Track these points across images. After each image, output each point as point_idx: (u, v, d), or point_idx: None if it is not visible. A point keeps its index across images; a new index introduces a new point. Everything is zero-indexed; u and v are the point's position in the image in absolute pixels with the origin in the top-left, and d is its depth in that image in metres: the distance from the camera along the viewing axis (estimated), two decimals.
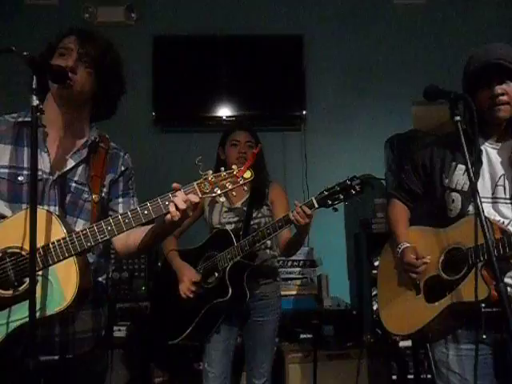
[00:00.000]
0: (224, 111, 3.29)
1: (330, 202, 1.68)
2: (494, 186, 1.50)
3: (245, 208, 2.09)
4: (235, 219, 2.10)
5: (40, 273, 1.16)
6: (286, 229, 1.84)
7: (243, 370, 2.41)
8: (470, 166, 1.31)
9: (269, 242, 2.07)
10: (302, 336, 2.71)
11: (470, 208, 1.50)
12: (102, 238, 1.21)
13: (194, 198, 1.21)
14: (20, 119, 1.33)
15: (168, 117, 3.32)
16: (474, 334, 1.42)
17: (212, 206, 2.15)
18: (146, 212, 1.21)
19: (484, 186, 1.50)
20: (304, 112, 3.33)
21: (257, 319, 2.08)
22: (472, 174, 1.32)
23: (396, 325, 1.68)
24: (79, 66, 1.30)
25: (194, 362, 2.63)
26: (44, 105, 1.26)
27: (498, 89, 1.44)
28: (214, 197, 1.25)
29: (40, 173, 1.26)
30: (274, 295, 2.12)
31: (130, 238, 1.37)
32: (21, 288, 1.17)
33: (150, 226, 1.34)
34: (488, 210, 1.47)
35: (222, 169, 1.27)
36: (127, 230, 1.22)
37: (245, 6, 3.42)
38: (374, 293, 2.75)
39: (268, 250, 2.13)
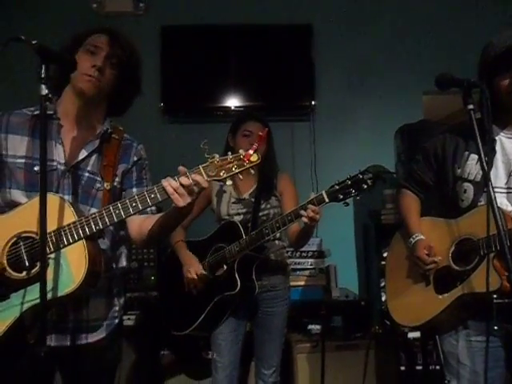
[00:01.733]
0: (232, 101, 3.27)
1: (341, 197, 1.64)
2: (508, 175, 1.48)
3: (253, 199, 2.08)
4: (243, 210, 2.09)
5: (51, 256, 1.21)
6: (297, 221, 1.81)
7: (252, 360, 2.42)
8: (483, 156, 1.29)
9: (278, 233, 2.05)
10: (310, 327, 2.72)
11: (482, 198, 1.48)
12: (110, 221, 1.24)
13: (202, 182, 1.21)
14: (36, 112, 1.37)
15: (176, 107, 3.31)
16: (485, 326, 1.41)
17: (220, 196, 2.14)
18: (152, 196, 1.24)
19: (497, 176, 1.48)
20: (313, 102, 3.30)
21: (266, 310, 2.08)
22: (485, 164, 1.29)
23: (404, 316, 1.67)
24: (107, 67, 1.34)
25: (203, 351, 2.64)
26: (61, 97, 1.37)
27: None
28: (220, 180, 1.24)
29: (55, 163, 1.33)
30: (283, 286, 2.11)
31: (144, 226, 1.40)
32: (33, 271, 1.22)
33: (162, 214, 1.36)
34: (501, 200, 1.44)
35: (229, 153, 1.26)
36: (134, 213, 1.25)
37: None
38: (382, 284, 2.74)
39: (277, 241, 2.12)
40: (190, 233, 2.22)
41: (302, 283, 2.86)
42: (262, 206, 2.07)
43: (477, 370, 1.47)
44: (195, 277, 2.00)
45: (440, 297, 1.53)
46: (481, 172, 1.46)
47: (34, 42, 1.10)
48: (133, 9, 3.33)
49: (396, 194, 1.85)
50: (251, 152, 1.24)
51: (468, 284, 1.46)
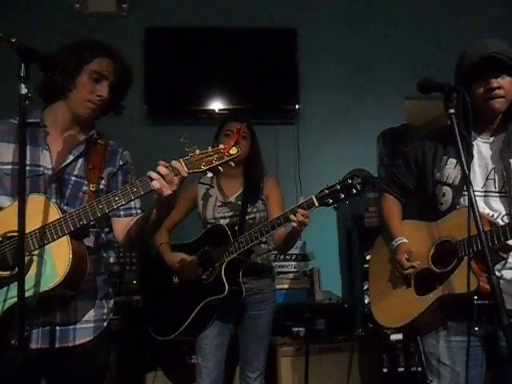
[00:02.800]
0: (217, 104, 3.27)
1: (330, 201, 1.65)
2: (485, 179, 1.51)
3: (239, 202, 2.07)
4: (230, 214, 2.08)
5: (36, 252, 1.24)
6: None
7: (237, 364, 2.41)
8: (463, 159, 1.32)
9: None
10: (294, 329, 2.71)
11: (461, 201, 1.52)
12: (93, 216, 1.26)
13: (182, 170, 1.23)
14: None
15: (160, 109, 3.30)
16: (465, 326, 1.43)
17: (206, 200, 2.13)
18: (134, 189, 1.26)
19: (475, 180, 1.51)
20: (297, 106, 3.32)
21: (252, 313, 2.07)
22: (465, 167, 1.31)
23: (387, 318, 1.69)
24: (108, 95, 1.39)
25: (187, 356, 2.62)
26: (52, 108, 1.39)
27: (494, 82, 1.44)
28: (200, 172, 1.26)
29: (41, 169, 1.36)
30: (269, 289, 2.11)
31: (130, 227, 1.42)
32: (16, 268, 1.21)
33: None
34: (478, 203, 1.46)
35: (209, 147, 1.28)
36: (117, 207, 1.28)
37: None
38: (365, 287, 2.77)
39: (263, 245, 2.11)
40: (174, 236, 2.20)
41: (286, 286, 2.87)
42: (249, 210, 2.06)
43: (457, 369, 1.49)
44: (190, 266, 1.97)
45: (421, 298, 1.55)
46: (459, 176, 1.51)
47: (13, 40, 1.09)
48: (116, 9, 3.29)
49: (378, 197, 1.87)
50: (231, 144, 1.26)
51: (447, 285, 1.49)
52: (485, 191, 1.51)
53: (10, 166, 1.35)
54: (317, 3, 3.47)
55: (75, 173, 1.40)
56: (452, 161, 1.54)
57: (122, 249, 2.62)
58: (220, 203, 2.10)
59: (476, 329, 1.42)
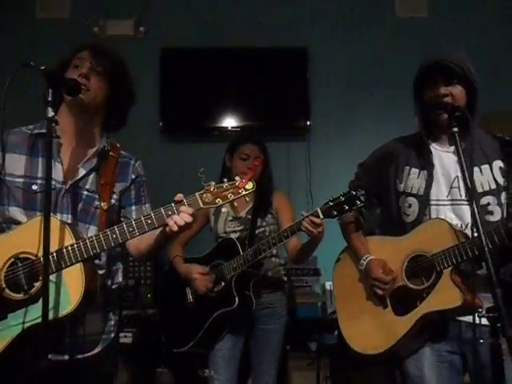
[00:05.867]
0: (229, 122, 3.34)
1: (335, 213, 1.66)
2: (449, 188, 1.47)
3: (249, 217, 2.11)
4: (240, 228, 2.12)
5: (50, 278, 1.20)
6: (293, 237, 1.83)
7: (249, 377, 2.42)
8: (465, 171, 1.27)
9: (274, 250, 2.07)
10: (306, 344, 2.71)
11: (428, 212, 1.47)
12: (107, 245, 1.26)
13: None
14: (36, 131, 1.39)
15: (175, 127, 3.39)
16: (447, 344, 1.39)
17: (217, 214, 2.17)
18: (149, 221, 1.26)
19: (439, 189, 1.47)
20: (308, 122, 3.37)
21: (263, 327, 2.08)
22: (468, 179, 1.26)
23: (364, 343, 1.54)
24: (92, 74, 1.35)
25: (199, 369, 2.64)
26: (58, 115, 1.31)
27: (443, 89, 1.43)
28: (216, 206, 1.27)
29: (53, 182, 1.30)
30: (280, 303, 2.13)
31: (142, 242, 1.42)
32: (31, 291, 1.23)
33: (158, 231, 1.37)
34: (446, 213, 1.45)
35: (225, 180, 1.29)
36: (131, 238, 1.27)
37: (250, 19, 3.49)
38: None
39: (274, 258, 2.14)
40: (187, 250, 2.24)
41: (298, 301, 2.87)
42: (259, 224, 2.10)
43: None
44: (203, 276, 2.01)
45: (401, 319, 1.45)
46: (423, 186, 1.47)
47: (42, 68, 1.15)
48: (133, 32, 3.44)
49: None
50: (247, 180, 1.27)
51: (430, 301, 1.41)
52: (451, 200, 1.46)
53: (21, 180, 1.33)
54: (327, 23, 3.54)
55: (87, 187, 1.37)
56: (415, 170, 1.51)
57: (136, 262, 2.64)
58: (231, 218, 2.15)
59: (457, 347, 1.39)
